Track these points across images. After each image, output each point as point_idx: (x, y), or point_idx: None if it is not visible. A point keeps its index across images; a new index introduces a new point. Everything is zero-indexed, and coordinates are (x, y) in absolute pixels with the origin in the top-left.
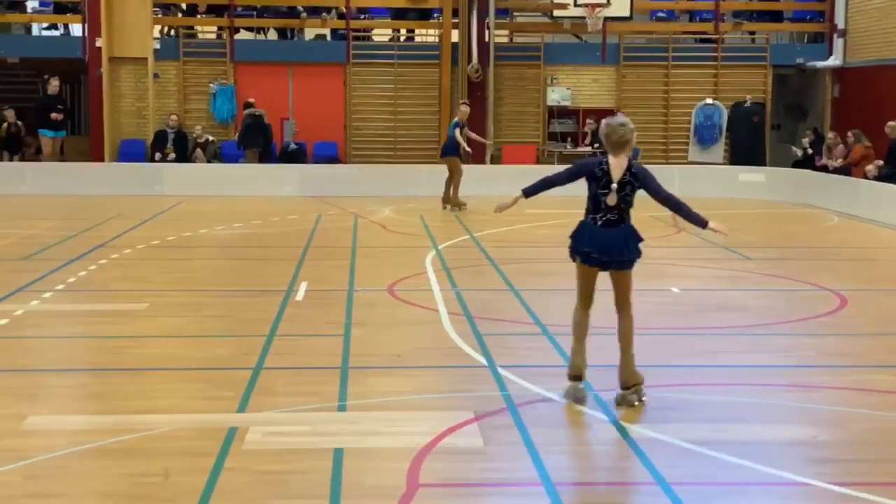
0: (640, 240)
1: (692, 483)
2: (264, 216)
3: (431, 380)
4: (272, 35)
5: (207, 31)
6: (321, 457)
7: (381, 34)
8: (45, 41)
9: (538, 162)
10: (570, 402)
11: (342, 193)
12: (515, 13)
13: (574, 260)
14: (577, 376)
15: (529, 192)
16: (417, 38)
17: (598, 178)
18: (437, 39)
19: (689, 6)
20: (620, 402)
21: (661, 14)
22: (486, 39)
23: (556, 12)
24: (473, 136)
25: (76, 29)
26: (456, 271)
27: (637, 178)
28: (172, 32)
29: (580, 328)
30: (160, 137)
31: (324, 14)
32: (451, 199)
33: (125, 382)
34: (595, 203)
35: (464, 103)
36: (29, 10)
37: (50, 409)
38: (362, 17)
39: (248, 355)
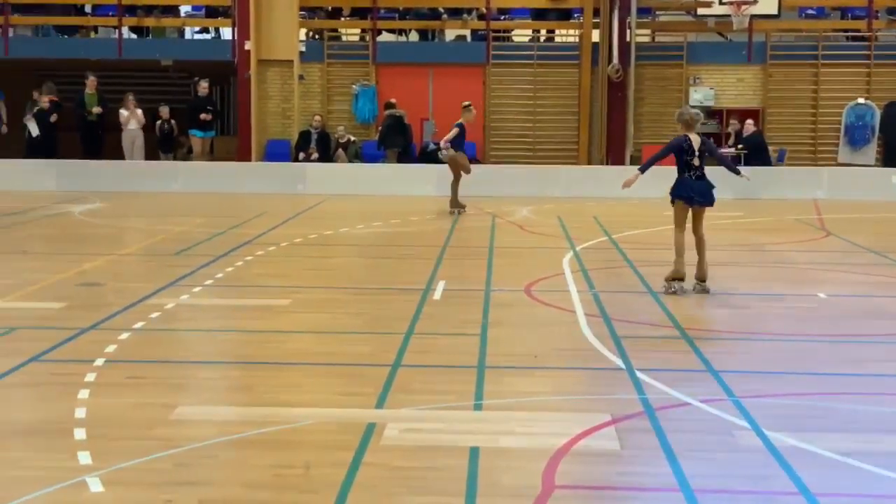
0: (714, 187)
1: (838, 494)
2: (403, 215)
3: (568, 381)
4: (413, 37)
5: (351, 33)
6: (457, 455)
7: (520, 35)
8: (197, 44)
9: None
10: (669, 293)
11: (480, 194)
12: (658, 12)
13: (674, 203)
14: (679, 278)
15: (643, 168)
16: (557, 39)
17: (685, 150)
18: (577, 39)
19: (840, 2)
20: (700, 290)
21: (810, 11)
22: (628, 39)
23: (701, 10)
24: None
25: (226, 32)
26: (593, 272)
27: (706, 147)
28: (317, 35)
29: (682, 246)
30: (304, 137)
31: (464, 15)
32: (452, 201)
33: (269, 376)
34: (687, 166)
35: (470, 105)
36: (182, 14)
37: (198, 400)
38: (502, 17)
39: (386, 352)
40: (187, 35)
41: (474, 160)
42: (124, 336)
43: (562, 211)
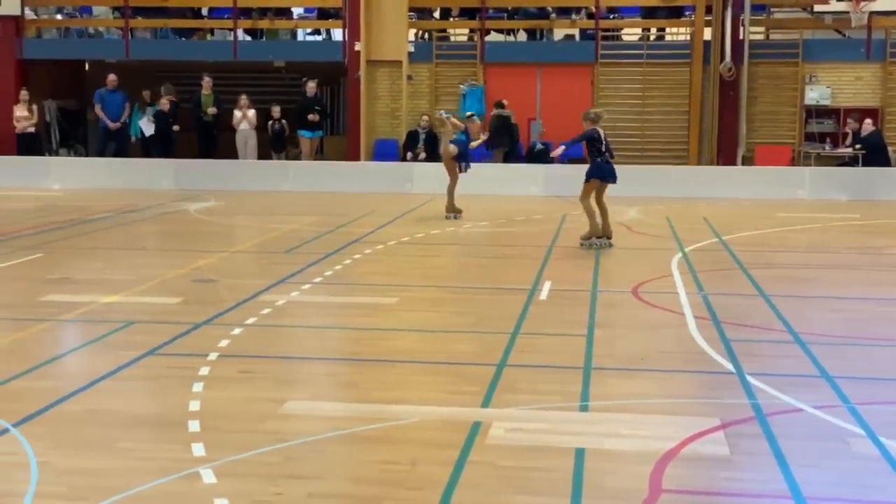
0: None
1: None
2: (510, 215)
3: (675, 384)
4: (521, 36)
5: (459, 33)
6: (562, 456)
7: (630, 33)
8: (309, 46)
9: (793, 163)
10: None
11: None
12: (773, 9)
13: (589, 181)
14: (597, 235)
15: (568, 144)
16: (668, 37)
17: (597, 139)
18: (688, 38)
19: None
20: (608, 245)
21: None
22: (741, 37)
23: (817, 7)
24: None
25: (337, 34)
26: (703, 274)
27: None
28: (426, 35)
29: (593, 211)
30: (412, 137)
31: (573, 14)
32: (450, 207)
33: (376, 373)
34: (598, 153)
35: (474, 115)
36: (295, 16)
37: (307, 395)
38: (612, 16)
39: (491, 352)
40: (299, 37)
41: (582, 160)
42: (236, 331)
43: (670, 212)
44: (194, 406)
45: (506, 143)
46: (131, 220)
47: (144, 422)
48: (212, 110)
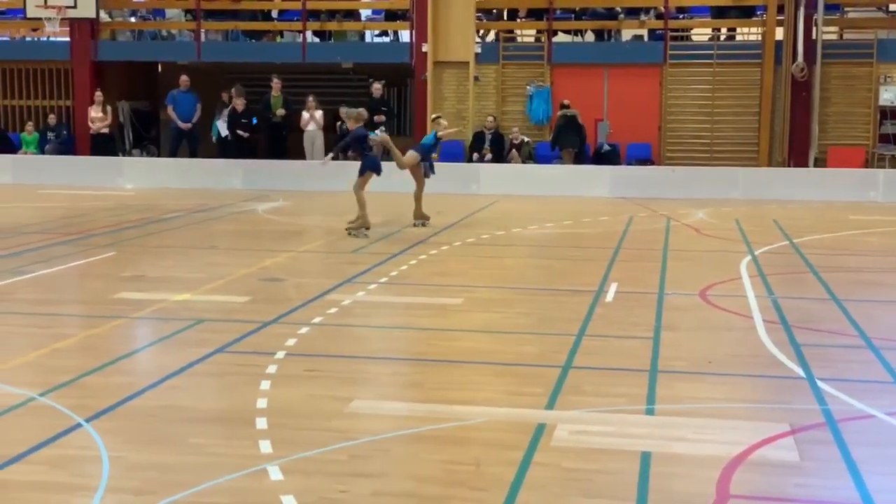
0: None
1: None
2: (576, 216)
3: (744, 388)
4: (589, 37)
5: (526, 34)
6: (628, 459)
7: (700, 34)
8: (376, 47)
9: (867, 165)
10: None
11: (655, 195)
12: (847, 8)
13: (364, 174)
14: (366, 227)
15: (335, 151)
16: (738, 37)
17: (364, 138)
18: (759, 38)
19: None
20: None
21: None
22: (814, 37)
23: (892, 6)
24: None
25: (404, 35)
26: (773, 278)
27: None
28: (493, 36)
29: (365, 201)
30: (478, 138)
31: (642, 15)
32: (418, 214)
33: (441, 373)
34: (368, 148)
35: (439, 117)
36: (363, 18)
37: (372, 395)
38: (681, 16)
39: (556, 353)
40: (367, 38)
41: (649, 161)
42: (303, 330)
43: (740, 214)
44: (262, 403)
45: (575, 144)
46: (201, 219)
47: (213, 418)
48: (281, 112)
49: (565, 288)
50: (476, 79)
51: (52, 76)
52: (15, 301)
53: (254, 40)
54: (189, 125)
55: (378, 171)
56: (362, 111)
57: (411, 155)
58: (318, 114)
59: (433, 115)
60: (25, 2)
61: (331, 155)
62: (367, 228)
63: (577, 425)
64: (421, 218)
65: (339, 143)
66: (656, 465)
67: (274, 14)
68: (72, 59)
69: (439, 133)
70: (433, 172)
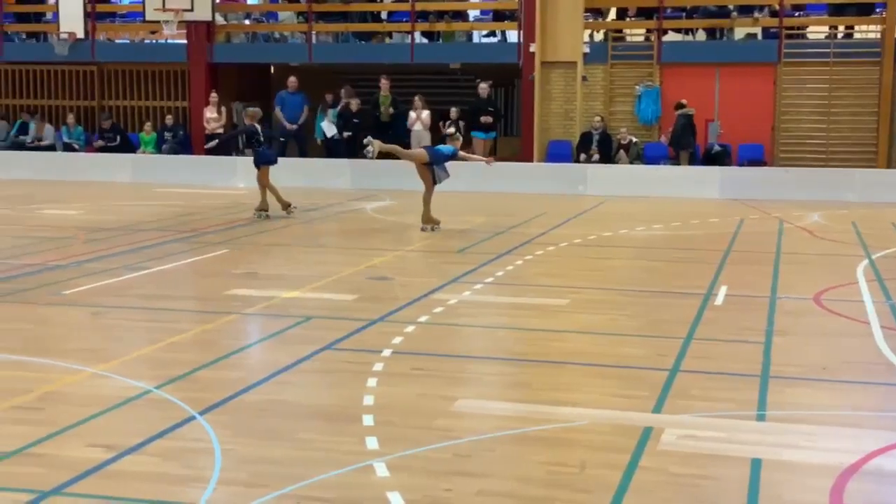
0: None
1: None
2: (684, 218)
3: (858, 396)
4: (700, 35)
5: (636, 33)
6: (737, 465)
7: (816, 31)
8: (484, 48)
9: None
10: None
11: (767, 197)
12: None
13: (260, 167)
14: (264, 209)
15: (218, 142)
16: (857, 35)
17: (256, 133)
18: (878, 36)
19: None
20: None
21: None
22: None
23: None
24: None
25: (512, 35)
26: (891, 283)
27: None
28: (601, 36)
29: (276, 189)
30: (585, 139)
31: (755, 12)
32: (427, 218)
33: (545, 374)
34: (258, 143)
35: (456, 134)
36: (471, 18)
37: (477, 394)
38: (797, 14)
39: (663, 356)
40: (475, 39)
41: (761, 162)
42: (409, 329)
43: (856, 216)
44: (368, 400)
45: (691, 144)
46: (310, 218)
47: (321, 414)
48: (387, 111)
49: (673, 290)
50: (584, 79)
51: (169, 78)
52: (133, 296)
53: (363, 41)
54: (295, 126)
55: (272, 162)
56: (257, 110)
57: (420, 151)
58: (425, 114)
59: (452, 132)
60: (144, 5)
61: (216, 141)
62: (266, 211)
63: (685, 430)
64: (430, 222)
65: (226, 135)
66: (766, 472)
67: (383, 15)
68: (188, 61)
69: (463, 154)
70: (447, 175)
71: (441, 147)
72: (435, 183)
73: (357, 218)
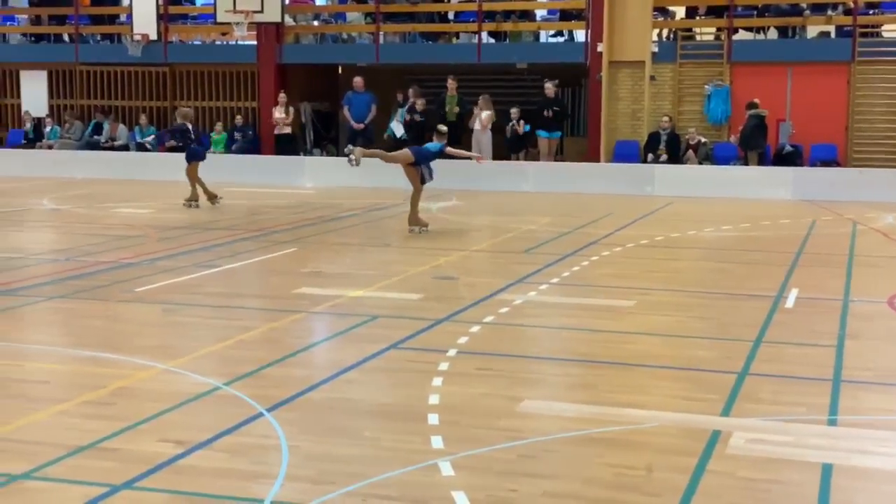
0: None
1: None
2: (754, 219)
3: None
4: (772, 34)
5: (705, 32)
6: (807, 470)
7: (891, 30)
8: (551, 47)
9: None
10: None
11: (840, 198)
12: None
13: (191, 163)
14: (194, 200)
15: (160, 139)
16: None
17: (188, 131)
18: None
19: None
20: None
21: None
22: None
23: None
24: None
25: (580, 35)
26: None
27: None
28: (670, 35)
29: (203, 183)
30: (653, 139)
31: (829, 11)
32: (414, 219)
33: (612, 375)
34: (190, 141)
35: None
36: (538, 18)
37: (542, 395)
38: (871, 12)
39: (732, 359)
40: (542, 38)
41: (834, 163)
42: (475, 329)
43: None
44: (434, 400)
45: (762, 145)
46: (377, 217)
47: (387, 412)
48: (454, 111)
49: (742, 292)
50: (652, 78)
51: (239, 78)
52: (204, 294)
53: (430, 41)
54: (362, 125)
55: (201, 158)
56: (188, 110)
57: (404, 152)
58: (484, 115)
59: (442, 127)
60: (216, 7)
61: (152, 137)
62: (196, 201)
63: (754, 434)
64: (416, 224)
65: (160, 132)
66: (838, 478)
67: (450, 16)
68: (258, 62)
69: (451, 151)
70: (431, 178)
71: (427, 145)
72: (423, 183)
73: (424, 217)
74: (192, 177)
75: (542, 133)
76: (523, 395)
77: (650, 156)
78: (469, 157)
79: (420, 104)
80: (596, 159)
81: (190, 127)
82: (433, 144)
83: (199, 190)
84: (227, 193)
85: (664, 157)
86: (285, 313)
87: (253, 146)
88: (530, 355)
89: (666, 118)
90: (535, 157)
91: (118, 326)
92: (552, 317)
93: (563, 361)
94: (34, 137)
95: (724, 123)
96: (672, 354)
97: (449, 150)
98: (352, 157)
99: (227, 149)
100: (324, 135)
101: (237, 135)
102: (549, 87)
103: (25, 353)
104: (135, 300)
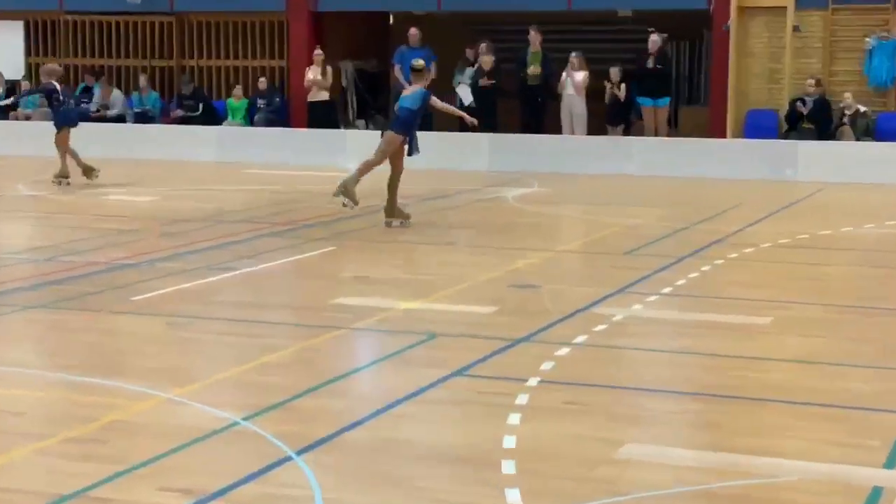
0: None
1: None
2: None
3: None
4: None
5: None
6: None
7: None
8: None
9: None
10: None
11: None
12: None
13: (60, 130)
14: (67, 175)
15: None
16: None
17: (56, 91)
18: None
19: None
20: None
21: None
22: None
23: None
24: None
25: None
26: None
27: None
28: None
29: (75, 153)
30: (796, 108)
31: None
32: (392, 209)
33: (741, 413)
34: (60, 102)
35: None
36: None
37: (649, 437)
38: None
39: None
40: None
41: None
42: (563, 351)
43: None
44: (509, 442)
45: None
46: (437, 207)
47: (448, 458)
48: (534, 70)
49: None
50: (796, 28)
51: (263, 31)
52: (217, 304)
53: None
54: None
55: (73, 124)
56: (55, 67)
57: (391, 137)
58: (580, 76)
59: (418, 63)
60: None
61: (11, 99)
62: (67, 178)
63: None
64: (397, 216)
65: (20, 94)
66: None
67: None
68: (287, 10)
69: (435, 101)
70: (417, 151)
71: (404, 99)
72: (409, 154)
73: (495, 208)
74: (64, 147)
75: (644, 101)
76: (624, 437)
77: (792, 131)
78: (456, 114)
79: (488, 62)
80: (721, 134)
81: (58, 86)
82: (413, 94)
83: (73, 163)
84: (248, 177)
85: (811, 130)
86: (320, 329)
87: (280, 116)
88: (633, 386)
89: (812, 80)
90: (640, 131)
91: (111, 344)
92: (663, 337)
93: (677, 395)
94: (7, 105)
95: (891, 87)
96: (820, 387)
97: (434, 101)
98: (345, 200)
99: (248, 119)
100: (370, 102)
101: (260, 102)
102: (655, 40)
103: None
104: (132, 311)
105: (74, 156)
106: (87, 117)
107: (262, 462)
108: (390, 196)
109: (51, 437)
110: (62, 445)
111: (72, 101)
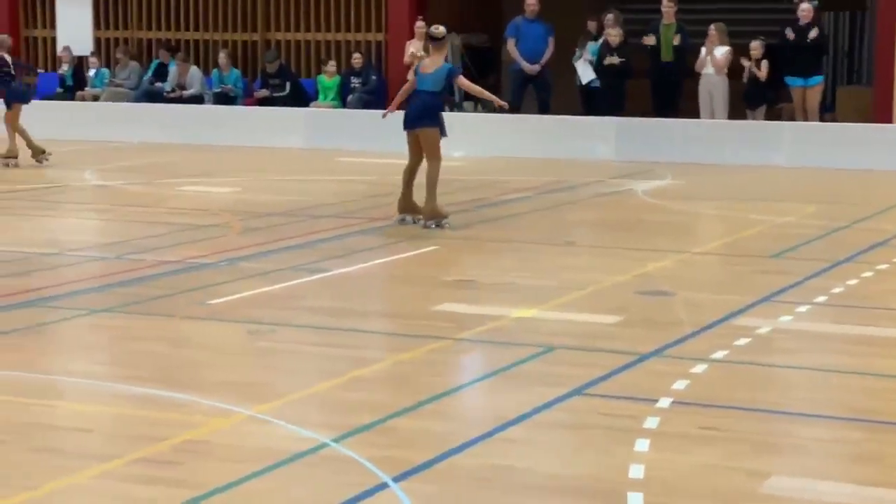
0: None
1: None
2: None
3: None
4: None
5: None
6: None
7: None
8: None
9: None
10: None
11: None
12: None
13: (12, 107)
14: (15, 155)
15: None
16: None
17: (7, 64)
18: None
19: None
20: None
21: None
22: None
23: None
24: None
25: None
26: None
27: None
28: None
29: (24, 131)
30: None
31: None
32: (431, 208)
33: None
34: (10, 76)
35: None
36: None
37: (799, 469)
38: None
39: None
40: None
41: None
42: (699, 368)
43: None
44: (636, 472)
45: None
46: (555, 202)
47: (566, 489)
48: (671, 46)
49: None
50: None
51: (358, 1)
52: (303, 310)
53: None
54: (537, 67)
55: (24, 101)
56: (4, 37)
57: (429, 136)
58: (720, 52)
59: (438, 29)
60: None
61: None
62: (15, 158)
63: None
64: (437, 216)
65: None
66: None
67: None
68: None
69: (461, 82)
70: (445, 133)
71: (424, 79)
72: (443, 135)
73: (622, 203)
74: (13, 125)
75: (793, 80)
76: (770, 468)
77: None
78: (485, 96)
79: (615, 35)
80: (886, 119)
81: (8, 59)
82: (435, 73)
83: (22, 143)
84: (340, 165)
85: None
86: (420, 340)
87: (377, 97)
88: (780, 410)
89: None
90: (790, 115)
91: (185, 354)
92: (815, 353)
93: (832, 420)
94: (73, 84)
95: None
96: None
97: (461, 80)
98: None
99: (341, 100)
100: (479, 81)
101: (354, 81)
102: (806, 8)
103: (59, 389)
104: (208, 317)
105: (23, 134)
106: (160, 97)
107: (354, 490)
108: (429, 194)
109: (117, 457)
110: (129, 467)
111: (24, 75)
